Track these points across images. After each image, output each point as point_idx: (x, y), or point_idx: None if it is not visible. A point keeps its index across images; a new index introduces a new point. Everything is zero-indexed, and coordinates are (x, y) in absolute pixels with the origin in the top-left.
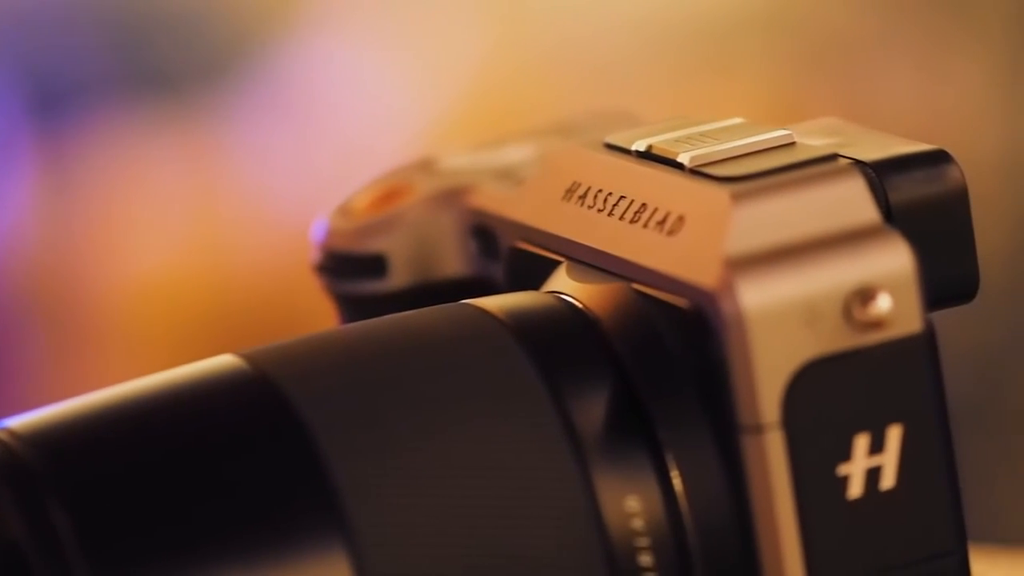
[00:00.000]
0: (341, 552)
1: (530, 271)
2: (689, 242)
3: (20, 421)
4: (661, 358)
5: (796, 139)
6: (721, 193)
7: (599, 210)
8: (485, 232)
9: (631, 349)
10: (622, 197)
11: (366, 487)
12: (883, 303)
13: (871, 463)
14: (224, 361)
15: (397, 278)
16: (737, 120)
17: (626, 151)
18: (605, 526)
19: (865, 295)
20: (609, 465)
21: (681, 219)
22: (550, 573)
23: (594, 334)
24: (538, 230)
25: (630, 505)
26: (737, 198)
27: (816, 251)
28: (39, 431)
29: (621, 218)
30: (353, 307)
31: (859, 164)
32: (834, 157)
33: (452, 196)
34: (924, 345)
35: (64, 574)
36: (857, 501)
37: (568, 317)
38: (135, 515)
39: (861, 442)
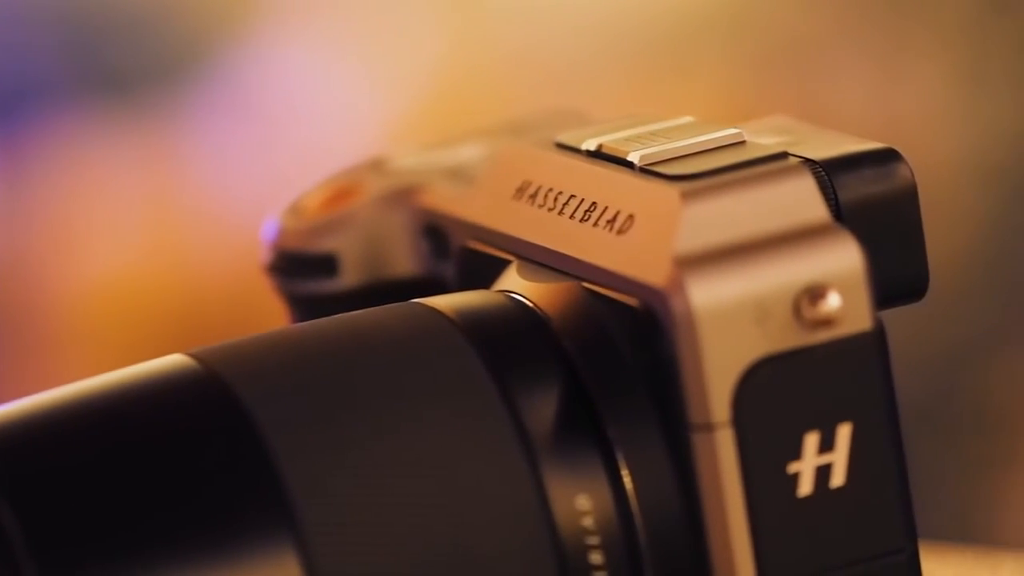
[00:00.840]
0: (291, 551)
1: (481, 270)
2: (639, 241)
3: None
4: (611, 357)
5: (746, 137)
6: (670, 192)
7: (549, 209)
8: (436, 232)
9: (581, 348)
10: (572, 196)
11: (317, 486)
12: (833, 301)
13: (821, 461)
14: (174, 360)
15: (348, 277)
16: (687, 119)
17: (576, 150)
18: (555, 524)
19: (815, 293)
20: (559, 463)
21: (631, 218)
22: (501, 571)
23: (544, 333)
24: (489, 229)
25: (580, 503)
26: (686, 197)
27: (766, 249)
28: None
29: (571, 217)
30: (304, 307)
31: (808, 162)
32: (784, 155)
33: (403, 196)
34: (874, 343)
35: (12, 574)
36: (807, 499)
37: (518, 316)
38: (84, 514)
39: (811, 440)
